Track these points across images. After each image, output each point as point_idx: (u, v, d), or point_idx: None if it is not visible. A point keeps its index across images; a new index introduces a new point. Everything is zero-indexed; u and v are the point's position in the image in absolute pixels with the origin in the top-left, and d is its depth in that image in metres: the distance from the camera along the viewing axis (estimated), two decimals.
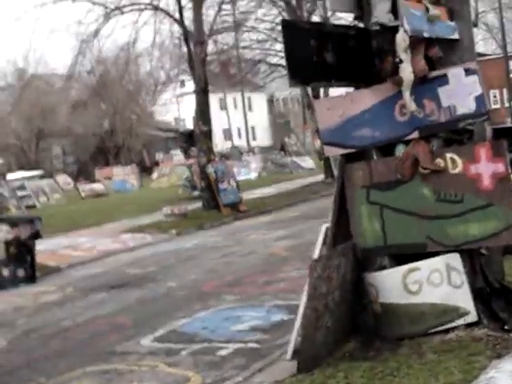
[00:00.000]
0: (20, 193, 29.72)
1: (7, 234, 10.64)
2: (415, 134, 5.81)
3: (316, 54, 5.48)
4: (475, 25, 34.39)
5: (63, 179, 42.62)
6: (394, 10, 5.61)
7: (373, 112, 5.92)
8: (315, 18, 29.28)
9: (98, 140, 54.20)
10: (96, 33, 24.32)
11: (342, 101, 6.09)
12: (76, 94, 51.69)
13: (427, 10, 5.70)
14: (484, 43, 44.12)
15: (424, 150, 5.77)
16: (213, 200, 20.47)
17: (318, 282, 5.53)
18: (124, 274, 12.55)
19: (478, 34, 39.77)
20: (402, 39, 5.44)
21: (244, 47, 32.27)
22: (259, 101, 72.20)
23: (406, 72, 5.52)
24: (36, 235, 11.38)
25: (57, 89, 48.88)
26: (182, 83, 45.22)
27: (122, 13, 24.69)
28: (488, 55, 40.71)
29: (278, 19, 29.54)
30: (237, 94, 59.72)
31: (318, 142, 28.90)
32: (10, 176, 38.87)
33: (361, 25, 6.11)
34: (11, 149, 51.81)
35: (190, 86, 27.79)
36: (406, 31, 5.45)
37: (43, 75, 54.31)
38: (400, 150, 5.92)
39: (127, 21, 24.75)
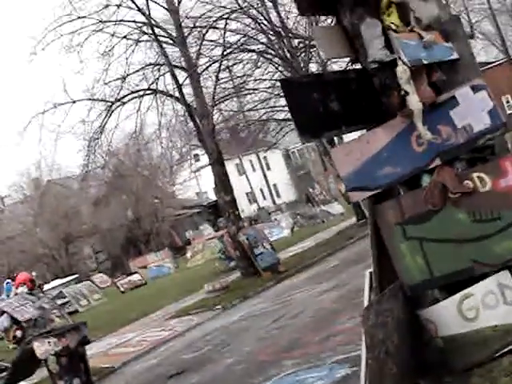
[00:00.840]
0: (60, 301, 29.80)
1: (55, 347, 10.56)
2: (437, 161, 5.72)
3: (321, 106, 5.44)
4: (472, 36, 34.48)
5: (100, 278, 42.73)
6: (389, 45, 5.57)
7: (390, 149, 5.85)
8: (312, 66, 29.50)
9: (125, 231, 54.47)
10: (102, 129, 24.65)
11: (357, 144, 6.02)
12: (95, 191, 52.18)
13: (421, 37, 5.65)
14: (485, 52, 44.22)
15: (450, 175, 5.67)
16: (251, 267, 20.35)
17: (374, 331, 5.39)
18: (179, 361, 12.39)
19: (477, 45, 39.89)
20: (402, 71, 5.40)
21: (249, 110, 32.47)
22: (275, 158, 72.42)
23: (414, 102, 5.46)
24: (84, 341, 11.29)
25: (75, 190, 49.41)
26: (197, 157, 45.55)
27: (124, 103, 25.04)
28: (492, 62, 40.66)
29: (277, 76, 29.83)
30: (252, 156, 60.08)
31: (342, 186, 28.81)
32: (46, 286, 39.02)
33: (358, 66, 6.07)
34: (42, 259, 52.19)
35: (205, 158, 27.94)
36: (404, 63, 5.40)
37: (58, 180, 54.99)
38: (426, 180, 5.82)
39: (130, 110, 25.16)
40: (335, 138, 24.63)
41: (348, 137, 6.73)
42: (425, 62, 5.62)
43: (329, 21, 16.76)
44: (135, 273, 40.68)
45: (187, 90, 24.97)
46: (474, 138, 5.63)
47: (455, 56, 5.92)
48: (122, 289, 36.64)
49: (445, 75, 5.81)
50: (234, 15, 28.23)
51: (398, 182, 5.94)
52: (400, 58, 5.43)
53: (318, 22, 21.17)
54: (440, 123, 5.63)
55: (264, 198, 67.47)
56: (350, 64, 6.64)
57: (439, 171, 5.68)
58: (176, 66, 25.22)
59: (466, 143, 5.66)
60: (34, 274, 42.84)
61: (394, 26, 5.60)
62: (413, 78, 5.49)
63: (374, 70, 5.69)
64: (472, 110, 5.60)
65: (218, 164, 22.47)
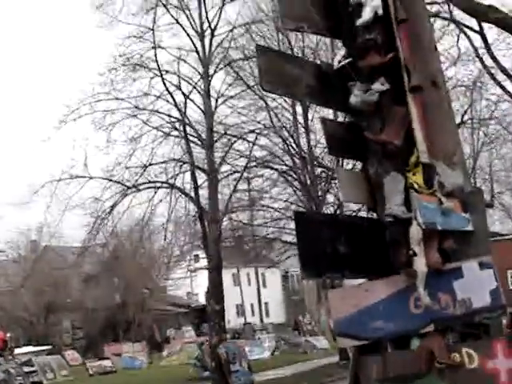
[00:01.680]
0: (27, 369, 29.25)
1: None
2: (430, 327, 5.66)
3: (329, 246, 5.45)
4: (491, 205, 34.84)
5: (71, 355, 42.03)
6: (407, 203, 5.62)
7: (387, 304, 5.81)
8: (330, 197, 29.77)
9: (108, 314, 53.86)
10: (111, 209, 24.76)
11: (355, 291, 5.99)
12: (88, 267, 51.92)
13: (440, 202, 5.70)
14: (501, 223, 44.66)
15: (439, 344, 5.60)
16: (223, 382, 19.97)
17: None
18: None
19: (494, 215, 40.31)
20: (415, 232, 5.42)
21: (259, 225, 32.65)
22: (273, 277, 72.16)
23: (420, 265, 5.46)
24: None
25: (69, 262, 49.21)
26: (197, 258, 45.49)
27: (139, 190, 25.23)
28: (505, 235, 40.94)
29: (293, 199, 30.11)
30: (250, 269, 59.91)
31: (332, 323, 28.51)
32: (17, 350, 38.36)
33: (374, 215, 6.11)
34: (20, 322, 51.51)
35: (204, 261, 27.88)
36: (419, 224, 5.43)
37: (56, 247, 54.85)
38: (415, 343, 5.75)
39: (143, 198, 25.44)
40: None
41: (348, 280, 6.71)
42: (439, 228, 5.65)
43: None
44: (107, 358, 39.97)
45: (202, 192, 25.21)
46: (471, 313, 5.59)
47: (470, 228, 5.95)
48: (90, 371, 35.99)
49: (456, 244, 5.83)
50: (265, 131, 28.78)
51: (388, 338, 5.87)
52: (416, 218, 5.46)
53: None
54: (441, 291, 5.61)
55: (253, 314, 66.76)
56: (365, 209, 6.68)
57: (430, 337, 5.62)
58: (198, 167, 25.55)
59: (463, 316, 5.61)
60: (8, 335, 42.28)
61: (416, 186, 5.66)
62: (424, 240, 5.51)
63: (389, 223, 5.72)
64: (475, 286, 5.59)
65: (215, 271, 22.43)
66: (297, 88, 5.50)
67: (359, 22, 5.49)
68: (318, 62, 6.24)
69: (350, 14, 5.55)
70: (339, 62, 5.60)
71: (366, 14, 5.47)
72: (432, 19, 19.21)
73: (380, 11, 5.48)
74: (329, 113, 19.24)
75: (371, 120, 5.55)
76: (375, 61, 5.44)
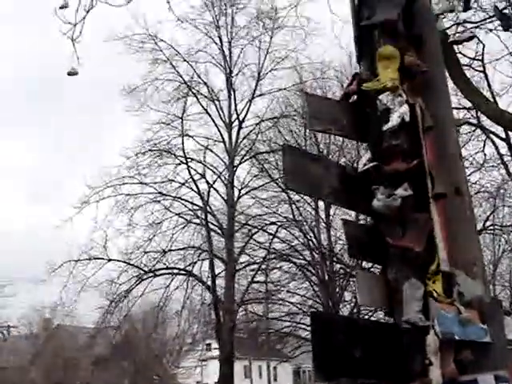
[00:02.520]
0: None
1: None
2: None
3: (344, 350, 5.38)
4: (510, 313, 34.36)
5: None
6: (426, 310, 5.56)
7: None
8: (347, 295, 29.53)
9: None
10: (127, 293, 24.69)
11: None
12: (99, 349, 51.41)
13: (459, 312, 5.64)
14: None
15: None
16: None
17: None
18: None
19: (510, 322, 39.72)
20: (432, 341, 5.35)
21: (274, 318, 32.34)
22: (285, 372, 71.00)
23: (436, 375, 5.36)
24: None
25: (81, 343, 48.77)
26: (209, 347, 44.97)
27: (156, 276, 25.19)
28: None
29: (310, 293, 29.86)
30: (262, 362, 59.05)
31: None
32: None
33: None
34: None
35: (216, 349, 27.56)
36: (436, 333, 5.36)
37: (69, 327, 54.48)
38: None
39: (159, 283, 25.45)
40: None
41: None
42: (456, 338, 5.57)
43: None
44: None
45: (219, 281, 25.12)
46: None
47: (488, 339, 5.87)
48: None
49: (473, 355, 5.74)
50: (286, 224, 28.81)
51: None
52: (433, 327, 5.40)
53: None
54: None
55: None
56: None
57: None
58: (217, 256, 25.53)
59: None
60: None
61: (435, 294, 5.62)
62: (441, 349, 5.43)
63: (406, 330, 5.65)
64: None
65: (227, 363, 22.16)
66: (320, 189, 5.54)
67: (386, 127, 5.56)
68: (343, 164, 6.31)
69: (377, 119, 5.62)
70: (364, 165, 5.64)
71: (393, 120, 5.54)
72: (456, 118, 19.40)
73: (407, 118, 5.55)
74: (351, 212, 19.30)
75: (393, 225, 5.55)
76: (400, 167, 5.48)
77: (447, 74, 9.38)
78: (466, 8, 14.06)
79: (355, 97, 5.82)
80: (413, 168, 5.49)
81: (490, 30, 16.66)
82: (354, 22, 6.17)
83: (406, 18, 5.94)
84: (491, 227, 31.82)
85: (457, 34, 14.06)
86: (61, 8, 8.78)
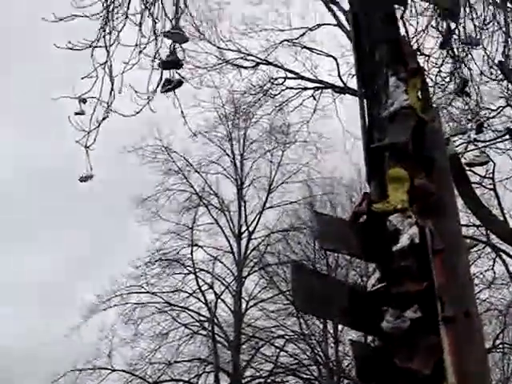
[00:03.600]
0: None
1: None
2: None
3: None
4: None
5: None
6: None
7: None
8: None
9: None
10: None
11: None
12: None
13: None
14: None
15: None
16: None
17: None
18: None
19: None
20: None
21: None
22: None
23: None
24: None
25: None
26: None
27: None
28: None
29: None
30: None
31: None
32: None
33: None
34: None
35: None
36: None
37: None
38: None
39: None
40: None
41: None
42: None
43: None
44: None
45: None
46: None
47: None
48: None
49: None
50: (294, 338, 28.50)
51: None
52: None
53: None
54: None
55: None
56: None
57: None
58: (222, 369, 25.15)
59: None
60: None
61: None
62: None
63: None
64: None
65: None
66: (328, 308, 5.52)
67: (395, 248, 5.58)
68: (351, 283, 6.31)
69: (387, 240, 5.65)
70: (373, 285, 5.63)
71: (403, 241, 5.56)
72: (468, 241, 19.43)
73: (417, 239, 5.57)
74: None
75: (401, 346, 5.50)
76: (409, 288, 5.47)
77: (457, 192, 9.49)
78: (479, 131, 14.30)
79: (364, 217, 5.87)
80: (422, 290, 5.47)
81: (503, 152, 16.93)
82: (365, 143, 6.29)
83: (416, 141, 6.06)
84: (500, 346, 31.32)
85: (471, 156, 14.25)
86: (76, 114, 8.95)
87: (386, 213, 5.66)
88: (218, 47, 22.17)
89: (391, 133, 5.98)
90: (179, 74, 8.68)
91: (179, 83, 8.64)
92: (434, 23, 10.56)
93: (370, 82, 6.57)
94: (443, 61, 11.20)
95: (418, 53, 10.57)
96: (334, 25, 20.75)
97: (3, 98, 31.03)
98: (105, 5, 8.63)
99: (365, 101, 6.55)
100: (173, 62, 8.41)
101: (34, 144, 31.69)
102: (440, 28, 10.40)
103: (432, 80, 11.88)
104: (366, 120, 6.41)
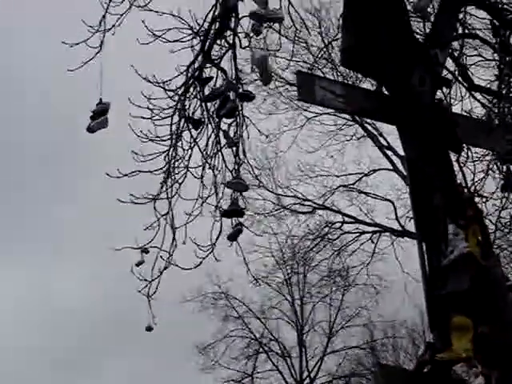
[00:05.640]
0: None
1: None
2: None
3: None
4: None
5: None
6: None
7: None
8: None
9: None
10: None
11: None
12: None
13: None
14: None
15: None
16: None
17: None
18: None
19: None
20: None
21: None
22: None
23: None
24: None
25: None
26: None
27: None
28: None
29: None
30: None
31: None
32: None
33: None
34: None
35: None
36: None
37: None
38: None
39: None
40: None
41: None
42: None
43: None
44: None
45: None
46: None
47: None
48: None
49: None
50: None
51: None
52: None
53: None
54: None
55: None
56: None
57: None
58: None
59: None
60: None
61: None
62: None
63: None
64: None
65: None
66: None
67: None
68: None
69: None
70: None
71: None
72: None
73: None
74: None
75: None
76: None
77: None
78: None
79: (429, 367, 5.75)
80: None
81: None
82: (426, 291, 6.25)
83: (478, 288, 5.98)
84: None
85: None
86: (137, 265, 9.03)
87: (450, 362, 5.55)
88: (276, 194, 22.55)
89: (452, 281, 5.94)
90: (240, 223, 8.79)
91: (239, 231, 8.75)
92: (493, 165, 10.56)
93: (428, 229, 6.58)
94: (504, 204, 11.11)
95: (477, 195, 10.57)
96: (390, 169, 21.02)
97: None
98: (167, 159, 8.90)
99: (424, 247, 6.55)
100: (235, 212, 8.54)
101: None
102: (500, 171, 10.38)
103: (492, 223, 11.78)
104: (426, 268, 6.39)
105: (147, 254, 8.92)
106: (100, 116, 8.31)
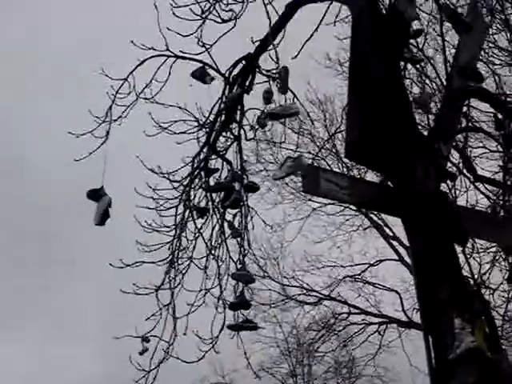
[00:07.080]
0: None
1: None
2: None
3: None
4: None
5: None
6: None
7: None
8: None
9: None
10: None
11: None
12: None
13: None
14: None
15: None
16: None
17: None
18: None
19: None
20: None
21: None
22: None
23: None
24: None
25: None
26: None
27: None
28: None
29: None
30: None
31: None
32: None
33: None
34: None
35: None
36: None
37: None
38: None
39: None
40: None
41: None
42: None
43: None
44: None
45: None
46: None
47: None
48: None
49: None
50: None
51: None
52: None
53: None
54: None
55: None
56: None
57: None
58: None
59: None
60: None
61: None
62: None
63: None
64: None
65: None
66: None
67: None
68: None
69: None
70: None
71: None
72: None
73: None
74: None
75: None
76: None
77: None
78: None
79: None
80: None
81: None
82: None
83: (484, 381, 5.89)
84: None
85: None
86: (141, 354, 8.86)
87: None
88: (281, 284, 22.40)
89: (459, 375, 5.85)
90: (244, 315, 8.67)
91: (246, 323, 8.62)
92: (499, 257, 10.55)
93: (434, 322, 6.51)
94: (511, 295, 11.07)
95: (484, 287, 10.51)
96: (396, 260, 20.93)
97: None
98: (171, 249, 8.89)
99: (430, 340, 6.47)
100: (241, 304, 8.45)
101: None
102: (506, 262, 10.37)
103: (500, 314, 11.71)
104: (433, 361, 6.30)
105: (148, 342, 8.78)
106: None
